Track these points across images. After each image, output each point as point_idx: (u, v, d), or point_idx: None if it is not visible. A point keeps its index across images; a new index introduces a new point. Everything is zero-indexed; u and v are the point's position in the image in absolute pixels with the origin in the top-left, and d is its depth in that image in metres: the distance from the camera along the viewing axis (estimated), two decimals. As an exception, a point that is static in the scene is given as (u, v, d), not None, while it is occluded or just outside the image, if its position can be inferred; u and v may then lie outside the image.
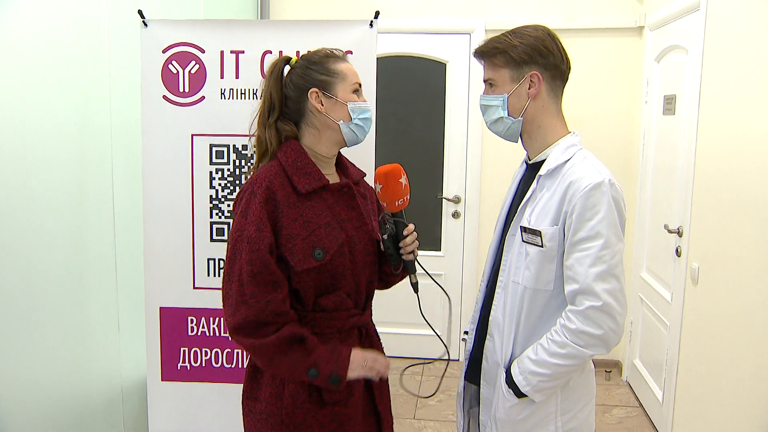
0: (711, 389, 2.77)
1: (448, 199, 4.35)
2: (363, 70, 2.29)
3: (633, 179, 4.07)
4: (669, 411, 3.24)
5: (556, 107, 1.70)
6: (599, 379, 4.15)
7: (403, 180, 1.71)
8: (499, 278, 1.72)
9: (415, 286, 1.79)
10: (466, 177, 4.30)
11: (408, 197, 1.73)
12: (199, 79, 2.34)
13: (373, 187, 1.77)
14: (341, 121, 1.68)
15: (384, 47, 4.26)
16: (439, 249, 4.41)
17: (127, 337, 2.69)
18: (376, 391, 1.76)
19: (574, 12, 4.06)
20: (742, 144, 2.54)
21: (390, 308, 4.37)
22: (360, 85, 1.73)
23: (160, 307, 2.44)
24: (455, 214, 4.35)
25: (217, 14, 3.51)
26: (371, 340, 1.78)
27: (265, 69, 2.33)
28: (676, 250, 3.21)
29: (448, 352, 1.87)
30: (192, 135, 2.36)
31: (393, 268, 1.75)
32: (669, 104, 3.48)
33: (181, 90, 2.35)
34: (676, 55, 3.44)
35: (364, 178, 1.88)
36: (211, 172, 2.38)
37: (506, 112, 1.66)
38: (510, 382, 1.65)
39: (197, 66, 2.34)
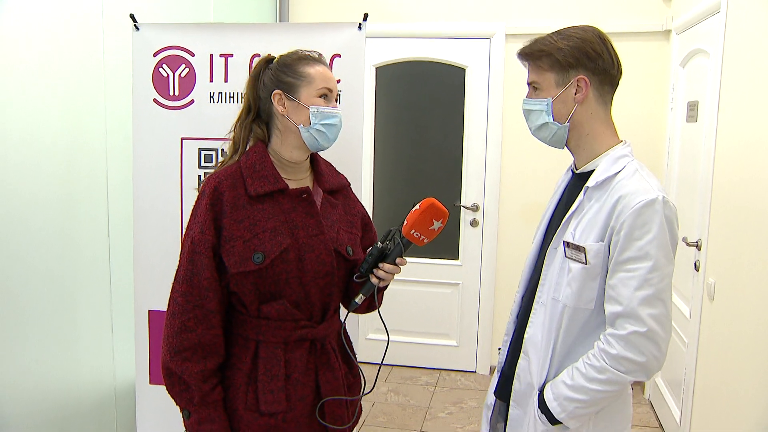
0: (727, 410, 2.61)
1: (467, 207, 4.25)
2: (351, 74, 2.26)
3: (658, 189, 3.90)
4: (685, 433, 3.09)
5: (605, 114, 1.60)
6: (621, 396, 3.98)
7: (436, 226, 1.61)
8: (538, 293, 1.61)
9: (353, 305, 1.69)
10: (485, 184, 4.20)
11: (428, 241, 1.64)
12: (188, 83, 2.33)
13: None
14: (301, 125, 1.64)
15: (402, 52, 4.22)
16: (456, 258, 4.32)
17: (121, 339, 2.70)
18: (327, 410, 1.67)
19: (599, 16, 3.91)
20: (762, 153, 2.38)
21: (401, 317, 4.33)
22: (330, 90, 1.67)
23: (149, 310, 2.43)
24: (473, 223, 4.25)
25: (230, 17, 3.52)
26: (328, 357, 1.69)
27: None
28: (695, 264, 3.05)
29: (364, 385, 1.80)
30: (182, 138, 2.36)
31: (356, 275, 1.68)
32: (692, 111, 3.32)
33: (171, 93, 2.34)
34: (699, 60, 3.28)
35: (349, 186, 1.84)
36: (200, 176, 2.37)
37: (551, 117, 1.57)
38: (543, 407, 1.54)
39: (187, 69, 2.33)
